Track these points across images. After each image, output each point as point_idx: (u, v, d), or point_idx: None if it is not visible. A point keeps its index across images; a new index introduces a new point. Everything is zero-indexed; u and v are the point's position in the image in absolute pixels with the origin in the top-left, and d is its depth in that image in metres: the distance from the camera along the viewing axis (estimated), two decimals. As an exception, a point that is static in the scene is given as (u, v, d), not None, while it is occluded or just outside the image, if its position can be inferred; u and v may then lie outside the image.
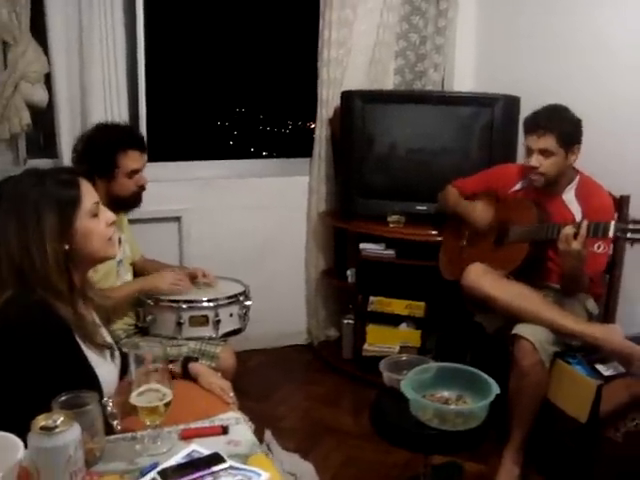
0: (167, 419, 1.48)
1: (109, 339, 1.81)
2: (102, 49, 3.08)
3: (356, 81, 3.55)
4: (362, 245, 3.35)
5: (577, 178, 2.74)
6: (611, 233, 2.27)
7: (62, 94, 3.08)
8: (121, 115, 3.18)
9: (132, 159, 2.49)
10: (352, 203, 3.39)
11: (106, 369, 1.69)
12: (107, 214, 1.71)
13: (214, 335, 2.54)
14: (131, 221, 3.33)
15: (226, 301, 2.57)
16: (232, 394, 2.00)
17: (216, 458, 1.31)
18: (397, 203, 3.29)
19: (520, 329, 2.53)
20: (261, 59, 4.13)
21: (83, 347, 1.61)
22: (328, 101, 3.50)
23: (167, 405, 1.40)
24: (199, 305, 2.53)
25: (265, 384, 3.41)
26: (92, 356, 1.63)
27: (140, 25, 3.31)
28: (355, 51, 3.53)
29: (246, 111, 4.32)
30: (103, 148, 2.46)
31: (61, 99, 3.09)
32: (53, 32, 3.03)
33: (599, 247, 2.53)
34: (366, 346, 3.46)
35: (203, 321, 2.53)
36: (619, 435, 2.48)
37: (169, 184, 3.45)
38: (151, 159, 3.44)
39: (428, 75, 3.65)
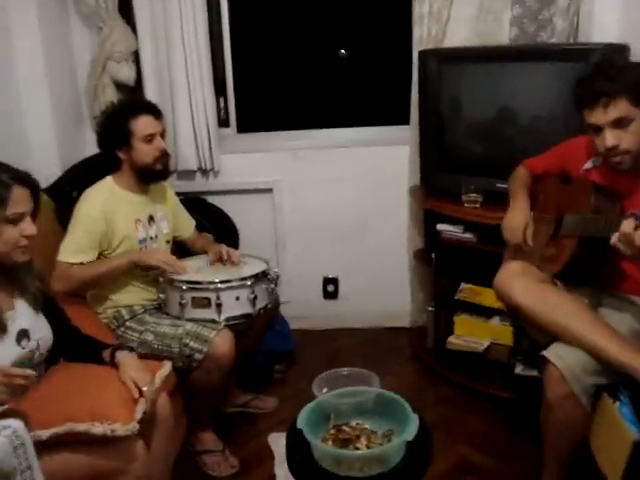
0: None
1: (16, 325, 1.77)
2: (183, 22, 2.97)
3: (460, 37, 2.93)
4: (439, 226, 2.82)
5: None
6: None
7: (149, 71, 3.04)
8: (204, 87, 3.07)
9: (145, 123, 2.37)
10: (430, 177, 2.85)
11: None
12: (27, 226, 1.71)
13: (217, 319, 2.32)
14: (224, 192, 3.29)
15: (228, 284, 2.31)
16: (145, 388, 1.82)
17: None
18: (475, 179, 2.66)
19: (550, 351, 1.89)
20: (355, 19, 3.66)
21: None
22: (423, 62, 2.94)
23: None
24: (199, 286, 2.32)
25: (338, 366, 3.09)
26: None
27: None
28: (458, 2, 2.92)
29: (339, 78, 3.88)
30: (114, 119, 2.39)
31: (148, 75, 3.05)
32: (139, 11, 2.99)
33: None
34: (452, 338, 2.94)
35: (205, 303, 2.32)
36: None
37: (260, 155, 3.27)
38: (240, 130, 3.37)
39: (554, 24, 2.86)
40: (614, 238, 1.68)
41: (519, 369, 2.74)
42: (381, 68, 3.67)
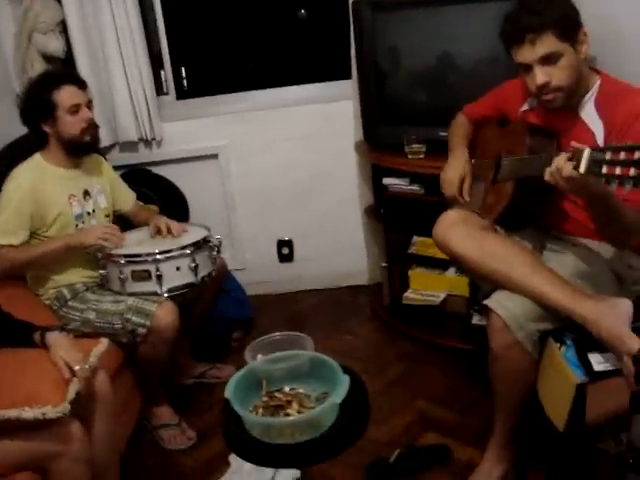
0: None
1: None
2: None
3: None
4: (385, 180, 2.72)
5: (597, 83, 1.82)
6: (583, 167, 1.45)
7: (78, 41, 2.86)
8: (137, 54, 2.91)
9: (69, 93, 2.23)
10: (372, 131, 2.74)
11: None
12: None
13: (158, 291, 2.22)
14: (169, 161, 3.17)
15: (167, 255, 2.21)
16: (77, 367, 1.74)
17: None
18: (417, 129, 2.56)
19: (492, 299, 1.81)
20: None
21: None
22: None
23: None
24: (138, 259, 2.22)
25: (297, 329, 3.02)
26: None
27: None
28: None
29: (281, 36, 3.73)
30: (37, 91, 2.25)
31: (78, 45, 2.87)
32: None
33: None
34: (408, 293, 2.88)
35: (145, 276, 2.21)
36: (623, 448, 1.71)
37: (202, 121, 3.13)
38: (180, 97, 3.23)
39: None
40: (547, 174, 1.59)
41: (476, 319, 2.69)
42: (321, 23, 3.52)
